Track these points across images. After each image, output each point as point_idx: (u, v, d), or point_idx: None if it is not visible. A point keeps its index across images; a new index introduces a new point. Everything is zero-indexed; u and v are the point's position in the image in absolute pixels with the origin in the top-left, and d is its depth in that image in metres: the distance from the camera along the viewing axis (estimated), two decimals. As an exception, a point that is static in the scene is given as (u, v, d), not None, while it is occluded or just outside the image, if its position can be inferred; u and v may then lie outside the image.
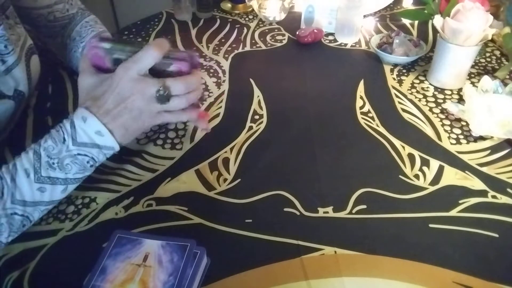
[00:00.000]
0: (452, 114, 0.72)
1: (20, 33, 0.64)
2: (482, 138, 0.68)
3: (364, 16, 1.00)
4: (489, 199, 0.58)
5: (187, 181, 0.61)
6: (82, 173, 0.51)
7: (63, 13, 0.73)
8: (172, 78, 0.51)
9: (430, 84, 0.82)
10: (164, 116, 0.53)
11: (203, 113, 0.59)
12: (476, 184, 0.60)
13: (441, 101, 0.77)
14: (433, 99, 0.78)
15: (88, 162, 0.50)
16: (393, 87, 0.81)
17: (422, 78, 0.84)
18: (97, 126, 0.49)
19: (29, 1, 0.69)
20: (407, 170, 0.62)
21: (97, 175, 0.62)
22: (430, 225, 0.54)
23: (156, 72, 0.52)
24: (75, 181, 0.52)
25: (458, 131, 0.70)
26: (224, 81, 0.84)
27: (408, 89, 0.81)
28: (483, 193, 0.58)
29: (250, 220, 0.55)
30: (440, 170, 0.62)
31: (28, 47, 0.65)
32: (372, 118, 0.73)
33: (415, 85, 0.82)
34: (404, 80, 0.83)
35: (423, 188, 0.59)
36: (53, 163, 0.49)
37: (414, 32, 1.00)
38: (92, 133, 0.49)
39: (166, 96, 0.50)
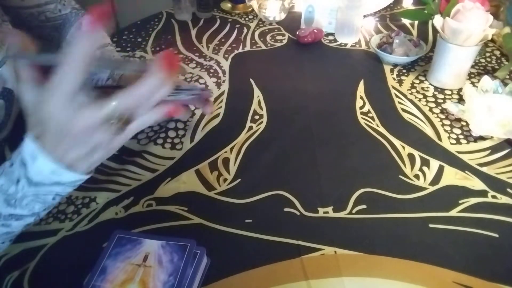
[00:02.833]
0: (452, 114, 0.72)
1: (7, 31, 0.63)
2: (482, 138, 0.68)
3: (364, 16, 1.00)
4: (489, 199, 0.58)
5: (187, 181, 0.61)
6: (49, 206, 0.45)
7: (54, 13, 0.72)
8: (119, 95, 0.38)
9: (430, 84, 0.82)
10: (130, 130, 0.42)
11: (175, 108, 0.44)
12: (476, 184, 0.60)
13: (441, 101, 0.77)
14: (433, 99, 0.78)
15: (53, 198, 0.44)
16: (393, 87, 0.81)
17: (422, 78, 0.84)
18: (49, 166, 0.40)
19: (16, 0, 0.67)
20: (407, 170, 0.62)
21: (97, 175, 0.62)
22: (430, 225, 0.54)
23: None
24: (45, 211, 0.45)
25: (458, 131, 0.70)
26: (224, 81, 0.84)
27: (408, 89, 0.81)
28: (483, 193, 0.58)
29: (250, 220, 0.55)
30: (440, 170, 0.62)
31: None
32: (372, 118, 0.73)
33: (415, 85, 0.82)
34: (404, 80, 0.83)
35: (423, 188, 0.59)
36: (12, 203, 0.42)
37: (414, 32, 1.00)
38: (47, 173, 0.40)
39: (122, 121, 0.39)
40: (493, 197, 0.58)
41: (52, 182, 0.41)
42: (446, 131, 0.70)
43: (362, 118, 0.73)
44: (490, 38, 0.74)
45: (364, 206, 0.57)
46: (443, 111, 0.74)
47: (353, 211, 0.56)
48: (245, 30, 1.03)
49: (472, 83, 0.80)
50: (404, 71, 0.86)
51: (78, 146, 0.40)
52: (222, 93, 0.80)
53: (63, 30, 0.74)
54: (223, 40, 0.99)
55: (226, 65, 0.89)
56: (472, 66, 0.83)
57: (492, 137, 0.68)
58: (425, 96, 0.78)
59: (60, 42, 0.74)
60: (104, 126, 0.39)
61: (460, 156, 0.65)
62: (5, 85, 0.58)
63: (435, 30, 0.83)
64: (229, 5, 1.14)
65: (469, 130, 0.68)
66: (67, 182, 0.42)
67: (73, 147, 0.40)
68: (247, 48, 0.96)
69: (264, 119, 0.73)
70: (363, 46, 0.95)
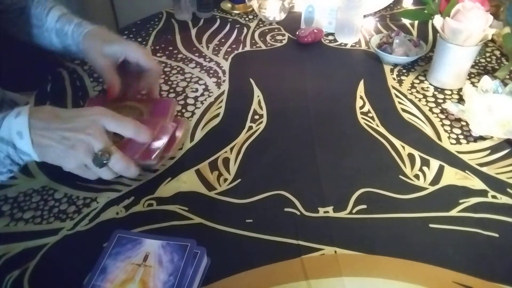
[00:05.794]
0: (452, 114, 0.72)
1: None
2: (482, 138, 0.68)
3: (364, 16, 1.00)
4: (489, 199, 0.58)
5: (188, 181, 0.61)
6: (2, 167, 0.49)
7: (20, 1, 0.72)
8: (120, 154, 0.49)
9: (430, 84, 0.82)
10: (88, 173, 0.50)
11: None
12: (476, 184, 0.60)
13: (441, 101, 0.77)
14: (433, 99, 0.78)
15: (5, 158, 0.48)
16: (393, 87, 0.81)
17: (422, 78, 0.84)
18: (21, 127, 0.46)
19: None
20: (407, 170, 0.62)
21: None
22: (430, 225, 0.54)
23: None
24: None
25: (458, 131, 0.70)
26: (224, 81, 0.84)
27: (408, 89, 0.81)
28: (483, 193, 0.58)
29: (251, 220, 0.55)
30: (440, 170, 0.62)
31: None
32: (372, 118, 0.73)
33: (415, 85, 0.82)
34: (404, 80, 0.83)
35: (423, 188, 0.59)
36: None
37: (414, 32, 1.00)
38: (13, 131, 0.46)
39: (101, 161, 0.48)
40: (493, 197, 0.58)
41: (10, 141, 0.47)
42: (446, 131, 0.70)
43: (362, 118, 0.73)
44: (490, 38, 0.74)
45: (364, 206, 0.57)
46: (443, 111, 0.74)
47: (353, 211, 0.56)
48: (245, 30, 1.03)
49: (472, 83, 0.80)
50: (404, 71, 0.86)
51: (58, 140, 0.46)
52: (222, 93, 0.80)
53: (25, 14, 0.73)
54: (223, 40, 0.99)
55: (226, 65, 0.89)
56: (472, 66, 0.83)
57: (492, 137, 0.68)
58: (425, 96, 0.78)
59: (24, 28, 0.73)
60: (92, 151, 0.47)
61: (460, 156, 0.65)
62: None
63: (435, 30, 0.83)
64: (229, 5, 1.14)
65: (469, 130, 0.68)
66: (20, 149, 0.47)
67: (54, 137, 0.46)
68: (247, 48, 0.96)
69: (264, 119, 0.73)
70: (363, 46, 0.95)
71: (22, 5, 0.72)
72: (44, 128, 0.46)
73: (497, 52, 0.91)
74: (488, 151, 0.66)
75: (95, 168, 0.49)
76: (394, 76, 0.85)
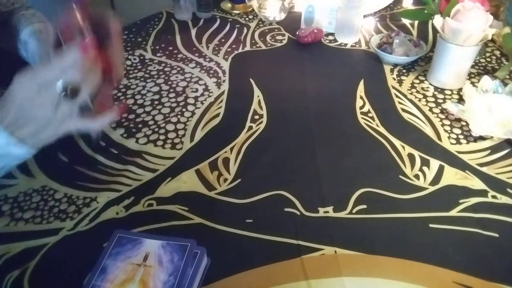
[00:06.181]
0: (452, 114, 0.72)
1: None
2: (482, 138, 0.68)
3: (364, 16, 1.00)
4: (489, 199, 0.58)
5: (188, 181, 0.61)
6: None
7: (7, 6, 0.71)
8: (70, 72, 0.45)
9: (430, 84, 0.82)
10: (75, 123, 0.48)
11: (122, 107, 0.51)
12: (476, 184, 0.60)
13: (441, 101, 0.77)
14: (433, 99, 0.78)
15: (1, 167, 0.47)
16: (393, 87, 0.81)
17: (422, 78, 0.84)
18: (4, 138, 0.44)
19: None
20: (407, 170, 0.62)
21: (99, 175, 0.62)
22: (430, 225, 0.54)
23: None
24: None
25: (458, 131, 0.70)
26: (224, 81, 0.84)
27: (408, 89, 0.81)
28: (483, 193, 0.58)
29: (251, 220, 0.55)
30: (440, 170, 0.62)
31: None
32: (372, 118, 0.73)
33: (415, 85, 0.82)
34: (404, 80, 0.83)
35: (423, 188, 0.59)
36: None
37: (414, 32, 1.00)
38: (1, 144, 0.45)
39: (73, 92, 0.45)
40: (493, 197, 0.58)
41: (3, 153, 0.45)
42: (446, 131, 0.70)
43: (362, 118, 0.73)
44: (490, 38, 0.74)
45: (364, 206, 0.57)
46: (443, 111, 0.74)
47: (353, 211, 0.56)
48: (245, 30, 1.03)
49: (472, 83, 0.80)
50: (404, 71, 0.86)
51: (29, 122, 0.44)
52: (222, 93, 0.80)
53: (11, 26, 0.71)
54: (223, 40, 0.99)
55: (226, 65, 0.89)
56: (472, 66, 0.83)
57: (492, 137, 0.68)
58: (425, 96, 0.78)
59: (10, 41, 0.71)
60: (57, 103, 0.44)
61: (460, 156, 0.65)
62: None
63: (435, 30, 0.83)
64: (229, 5, 1.14)
65: (469, 130, 0.68)
66: (16, 155, 0.46)
67: (25, 123, 0.44)
68: (247, 48, 0.96)
69: (264, 119, 0.73)
70: (363, 46, 0.95)
71: (5, 17, 0.71)
72: (17, 127, 0.45)
73: (497, 52, 0.91)
74: (488, 151, 0.66)
75: (76, 99, 0.46)
76: (394, 76, 0.85)
